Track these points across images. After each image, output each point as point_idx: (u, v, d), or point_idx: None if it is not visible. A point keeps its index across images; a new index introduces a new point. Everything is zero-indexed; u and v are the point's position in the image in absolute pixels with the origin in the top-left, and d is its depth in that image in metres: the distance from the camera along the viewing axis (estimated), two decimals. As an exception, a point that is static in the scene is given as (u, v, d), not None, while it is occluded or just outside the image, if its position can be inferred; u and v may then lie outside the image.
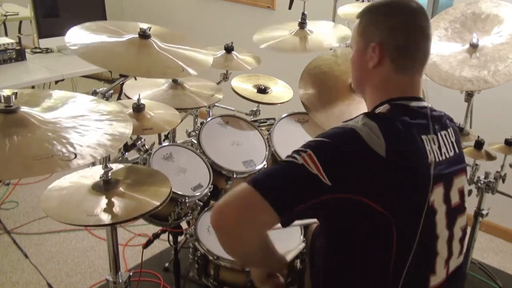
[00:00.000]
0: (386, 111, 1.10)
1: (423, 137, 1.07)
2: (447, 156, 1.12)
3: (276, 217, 0.96)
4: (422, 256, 1.04)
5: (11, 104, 1.12)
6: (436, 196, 1.07)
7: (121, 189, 1.37)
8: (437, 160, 1.08)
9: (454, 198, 1.12)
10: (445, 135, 1.15)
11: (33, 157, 1.04)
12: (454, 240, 1.13)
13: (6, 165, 1.02)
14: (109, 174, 1.38)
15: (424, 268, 1.07)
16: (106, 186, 1.37)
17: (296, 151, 1.00)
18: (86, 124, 1.21)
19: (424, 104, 1.14)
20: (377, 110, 1.12)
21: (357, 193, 0.97)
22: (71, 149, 1.09)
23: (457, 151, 1.17)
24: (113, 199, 1.34)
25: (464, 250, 1.21)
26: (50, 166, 1.03)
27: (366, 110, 1.32)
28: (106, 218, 1.26)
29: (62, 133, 1.14)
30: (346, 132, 1.02)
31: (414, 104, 1.12)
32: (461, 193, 1.15)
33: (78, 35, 1.61)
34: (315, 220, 1.44)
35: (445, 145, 1.13)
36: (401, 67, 1.13)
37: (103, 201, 1.33)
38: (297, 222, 1.06)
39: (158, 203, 1.32)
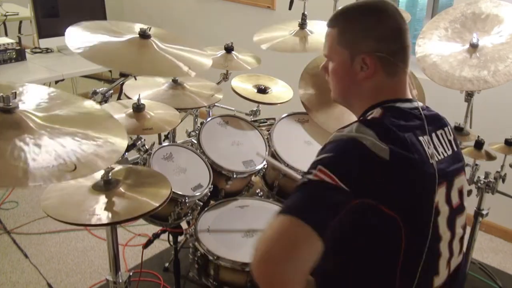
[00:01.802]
0: (379, 115, 1.07)
1: (421, 138, 1.06)
2: (445, 155, 1.11)
3: (319, 241, 0.89)
4: (428, 258, 1.04)
5: (10, 104, 1.11)
6: (440, 196, 1.06)
7: (121, 189, 1.38)
8: (437, 159, 1.07)
9: (454, 198, 1.12)
10: (441, 134, 1.13)
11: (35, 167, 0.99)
12: (455, 240, 1.13)
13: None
14: (110, 174, 1.38)
15: (429, 270, 1.06)
16: (106, 186, 1.37)
17: (307, 172, 0.98)
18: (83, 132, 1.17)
19: (415, 105, 1.12)
20: (369, 115, 1.09)
21: (371, 197, 0.96)
22: (71, 158, 1.05)
23: (455, 149, 1.16)
24: (113, 199, 1.34)
25: (464, 249, 1.21)
26: (53, 176, 1.00)
27: None
28: (106, 217, 1.26)
29: (59, 139, 1.10)
30: (348, 143, 0.99)
31: (406, 105, 1.10)
32: (461, 192, 1.15)
33: (78, 35, 1.61)
34: None
35: (441, 144, 1.12)
36: (392, 72, 1.10)
37: (103, 200, 1.33)
38: None
39: (158, 204, 1.32)
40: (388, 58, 1.08)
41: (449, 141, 1.15)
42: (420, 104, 1.14)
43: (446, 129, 1.16)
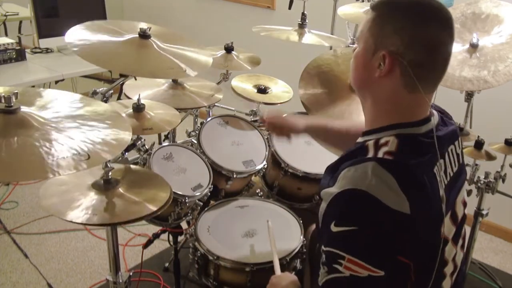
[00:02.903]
0: (395, 150, 0.96)
1: (435, 170, 0.98)
2: (451, 175, 1.06)
3: None
4: (433, 284, 1.02)
5: (11, 104, 1.12)
6: (447, 225, 1.02)
7: (120, 190, 1.37)
8: (444, 185, 1.01)
9: (460, 212, 1.08)
10: (451, 150, 1.07)
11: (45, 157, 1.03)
12: (457, 253, 1.11)
13: (25, 166, 1.03)
14: (109, 174, 1.38)
15: None
16: (106, 186, 1.37)
17: (333, 258, 0.91)
18: (89, 124, 1.21)
19: (431, 126, 1.01)
20: (382, 144, 0.98)
21: (392, 254, 0.92)
22: (84, 149, 1.08)
23: (460, 161, 1.11)
24: (113, 200, 1.34)
25: (465, 252, 1.20)
26: (68, 166, 1.03)
27: None
28: (104, 218, 1.26)
29: (66, 133, 1.13)
30: (364, 203, 0.90)
31: (422, 130, 1.00)
32: (464, 203, 1.11)
33: (78, 35, 1.61)
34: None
35: (450, 163, 1.06)
36: (412, 86, 0.97)
37: (103, 200, 1.33)
38: None
39: (157, 208, 1.32)
40: (409, 69, 0.96)
41: (457, 154, 1.09)
42: (436, 119, 1.05)
43: (456, 143, 1.10)
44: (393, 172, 0.91)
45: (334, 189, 0.95)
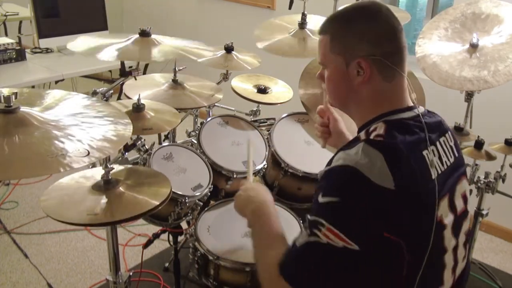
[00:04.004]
0: (383, 132, 1.02)
1: (424, 152, 1.03)
2: (448, 164, 1.09)
3: None
4: (432, 271, 1.03)
5: (11, 104, 1.12)
6: (443, 209, 1.04)
7: (121, 189, 1.37)
8: (439, 172, 1.04)
9: (459, 205, 1.10)
10: (443, 141, 1.11)
11: (47, 154, 1.05)
12: (459, 247, 1.11)
13: (25, 163, 1.03)
14: (110, 174, 1.38)
15: (433, 282, 1.06)
16: (106, 186, 1.37)
17: (314, 225, 0.97)
18: (88, 121, 1.22)
19: (416, 112, 1.08)
20: (372, 130, 1.05)
21: (376, 231, 0.95)
22: (83, 146, 1.10)
23: (456, 155, 1.14)
24: (113, 199, 1.34)
25: (467, 253, 1.19)
26: (63, 164, 1.04)
27: None
28: (105, 217, 1.26)
29: (67, 130, 1.14)
30: (351, 178, 0.96)
31: (408, 115, 1.07)
32: (464, 197, 1.13)
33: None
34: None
35: (445, 153, 1.09)
36: (389, 75, 1.06)
37: (103, 200, 1.33)
38: None
39: (157, 203, 1.32)
40: (384, 61, 1.04)
41: (451, 147, 1.12)
42: (421, 109, 1.11)
43: (447, 135, 1.13)
44: (381, 150, 0.97)
45: (326, 168, 1.04)
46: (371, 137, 1.03)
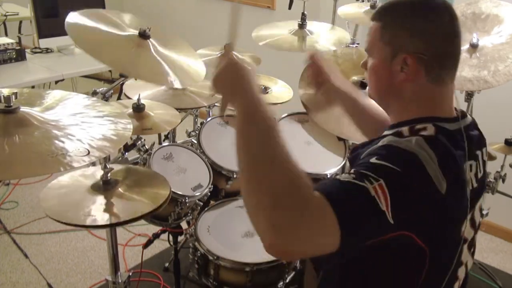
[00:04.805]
0: (434, 134, 0.94)
1: (465, 166, 0.97)
2: (478, 179, 1.04)
3: (337, 246, 0.80)
4: (448, 283, 1.01)
5: (11, 104, 1.12)
6: (467, 224, 1.00)
7: (120, 190, 1.37)
8: (471, 188, 0.99)
9: (477, 218, 1.07)
10: (480, 156, 1.05)
11: (48, 154, 1.05)
12: (469, 260, 1.10)
13: (24, 163, 1.03)
14: (109, 175, 1.38)
15: None
16: (105, 187, 1.37)
17: (367, 175, 0.84)
18: (88, 121, 1.22)
19: (461, 125, 1.01)
20: (420, 129, 0.96)
21: (410, 230, 0.88)
22: (83, 145, 1.10)
23: (485, 168, 1.08)
24: (112, 200, 1.34)
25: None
26: (63, 163, 1.04)
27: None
28: (104, 219, 1.26)
29: (67, 130, 1.14)
30: (412, 161, 0.87)
31: (454, 127, 0.99)
32: (480, 209, 1.10)
33: (79, 19, 1.61)
34: None
35: (477, 169, 1.03)
36: (437, 78, 0.99)
37: (102, 201, 1.33)
38: None
39: (156, 206, 1.32)
40: (433, 63, 0.97)
41: (484, 161, 1.07)
42: (467, 121, 1.05)
43: (484, 149, 1.08)
44: (435, 149, 0.90)
45: (376, 146, 0.93)
46: (423, 133, 0.94)
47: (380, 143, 0.94)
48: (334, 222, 0.78)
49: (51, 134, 1.12)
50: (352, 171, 0.88)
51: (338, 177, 0.87)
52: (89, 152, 1.08)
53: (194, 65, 1.76)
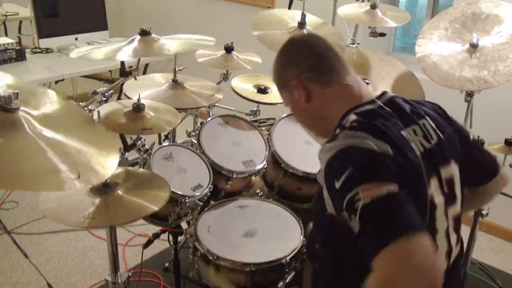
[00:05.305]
0: (356, 118, 1.07)
1: (403, 132, 1.06)
2: (435, 144, 1.12)
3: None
4: None
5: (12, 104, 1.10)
6: (434, 189, 1.07)
7: (119, 192, 1.37)
8: (424, 148, 1.08)
9: (445, 189, 1.12)
10: (423, 124, 1.14)
11: (43, 171, 1.00)
12: (450, 230, 1.13)
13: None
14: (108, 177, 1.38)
15: None
16: (104, 189, 1.37)
17: (351, 203, 0.92)
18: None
19: (380, 103, 1.13)
20: (344, 122, 1.09)
21: (396, 176, 0.97)
22: (73, 167, 1.04)
23: (441, 136, 1.15)
24: (111, 202, 1.33)
25: (460, 240, 1.21)
26: (56, 183, 0.99)
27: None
28: (103, 220, 1.26)
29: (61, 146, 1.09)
30: (353, 151, 0.99)
31: (372, 106, 1.11)
32: (450, 182, 1.14)
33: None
34: None
35: (429, 132, 1.12)
36: (328, 81, 1.16)
37: (101, 203, 1.32)
38: None
39: (155, 208, 1.32)
40: (312, 75, 1.16)
41: (433, 129, 1.14)
42: (387, 97, 1.15)
43: (428, 118, 1.15)
44: (362, 129, 1.02)
45: (321, 166, 1.04)
46: (347, 125, 1.06)
47: (323, 166, 1.03)
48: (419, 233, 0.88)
49: (40, 147, 1.05)
50: (344, 211, 0.94)
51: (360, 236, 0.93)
52: (79, 176, 1.03)
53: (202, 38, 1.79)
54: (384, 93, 1.17)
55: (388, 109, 1.11)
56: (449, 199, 1.13)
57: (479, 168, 1.28)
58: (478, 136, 2.08)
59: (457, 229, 1.17)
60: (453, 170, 1.15)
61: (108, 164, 1.13)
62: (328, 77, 1.16)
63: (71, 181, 1.00)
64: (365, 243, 0.92)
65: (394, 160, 0.97)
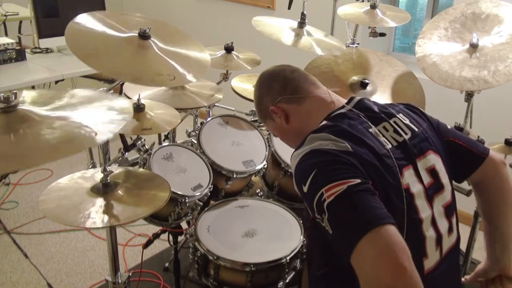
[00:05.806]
0: (325, 123, 1.18)
1: (371, 130, 1.15)
2: (406, 137, 1.17)
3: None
4: (411, 241, 1.02)
5: (11, 103, 1.11)
6: (410, 179, 1.12)
7: (119, 192, 1.37)
8: (394, 145, 1.15)
9: (425, 178, 1.15)
10: (394, 122, 1.20)
11: (59, 141, 1.03)
12: (438, 219, 1.15)
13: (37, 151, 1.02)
14: (108, 177, 1.38)
15: (415, 253, 1.04)
16: (104, 189, 1.37)
17: (320, 203, 1.01)
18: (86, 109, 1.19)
19: (349, 107, 1.22)
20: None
21: (360, 173, 1.04)
22: (88, 129, 1.08)
23: (416, 130, 1.20)
24: (111, 202, 1.33)
25: (455, 227, 1.22)
26: (76, 145, 1.03)
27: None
28: (103, 221, 1.26)
29: (71, 119, 1.12)
30: (314, 154, 1.07)
31: (341, 111, 1.21)
32: (432, 172, 1.17)
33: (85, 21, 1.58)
34: None
35: (402, 129, 1.19)
36: (299, 99, 1.29)
37: (101, 203, 1.32)
38: None
39: (155, 208, 1.32)
40: (283, 96, 1.29)
41: (406, 125, 1.21)
42: (355, 101, 1.24)
43: (400, 116, 1.22)
44: (325, 131, 1.12)
45: (293, 172, 1.13)
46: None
47: (293, 172, 1.12)
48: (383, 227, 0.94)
49: (54, 124, 1.09)
50: (321, 213, 1.02)
51: (332, 236, 1.00)
52: (96, 134, 1.07)
53: (200, 56, 1.73)
54: (352, 98, 1.26)
55: (356, 110, 1.20)
56: (436, 187, 1.17)
57: (467, 154, 1.30)
58: (478, 136, 2.08)
59: (448, 217, 1.19)
60: (433, 160, 1.19)
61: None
62: (299, 95, 1.29)
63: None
64: (337, 245, 1.00)
65: (355, 156, 1.05)
